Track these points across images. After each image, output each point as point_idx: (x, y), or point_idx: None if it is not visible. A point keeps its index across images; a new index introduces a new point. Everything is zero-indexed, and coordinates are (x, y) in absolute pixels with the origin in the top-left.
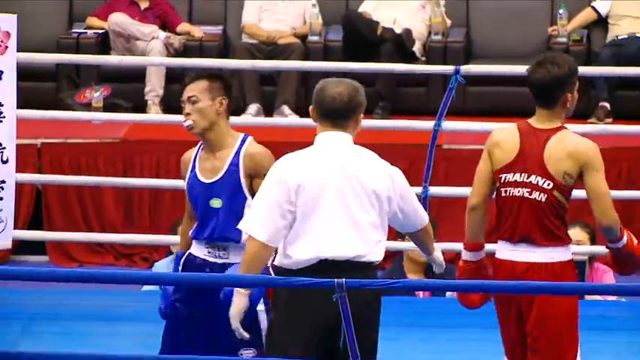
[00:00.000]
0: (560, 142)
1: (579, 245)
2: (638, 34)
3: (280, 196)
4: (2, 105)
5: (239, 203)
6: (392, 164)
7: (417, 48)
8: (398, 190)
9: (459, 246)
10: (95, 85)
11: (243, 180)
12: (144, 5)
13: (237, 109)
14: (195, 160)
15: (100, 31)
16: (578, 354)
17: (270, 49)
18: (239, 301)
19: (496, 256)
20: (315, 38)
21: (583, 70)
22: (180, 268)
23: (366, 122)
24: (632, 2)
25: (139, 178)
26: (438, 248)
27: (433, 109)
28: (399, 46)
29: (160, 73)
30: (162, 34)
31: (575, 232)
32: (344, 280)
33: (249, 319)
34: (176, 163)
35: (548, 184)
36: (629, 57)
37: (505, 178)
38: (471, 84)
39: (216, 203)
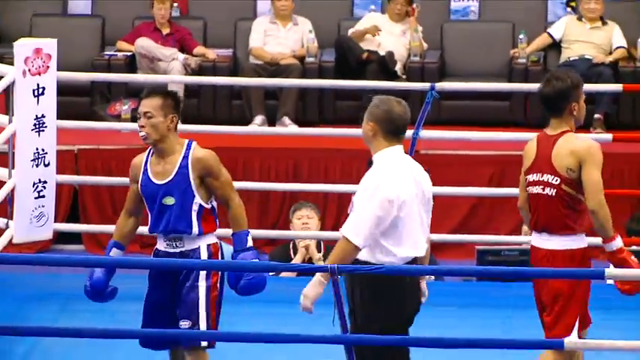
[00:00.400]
0: (565, 143)
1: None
2: (586, 56)
3: (381, 211)
4: (45, 116)
5: (189, 200)
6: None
7: (398, 68)
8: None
9: (435, 237)
10: (124, 100)
11: (192, 180)
12: (165, 31)
13: (245, 120)
14: (146, 165)
15: (128, 54)
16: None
17: (273, 68)
18: (319, 287)
19: (530, 242)
20: (312, 59)
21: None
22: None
23: (354, 131)
24: (581, 29)
25: None
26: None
27: (412, 120)
28: (383, 66)
29: (179, 89)
30: (181, 56)
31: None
32: (336, 265)
33: (194, 294)
34: None
35: (556, 180)
36: (580, 75)
37: (528, 180)
38: (444, 98)
39: (169, 201)
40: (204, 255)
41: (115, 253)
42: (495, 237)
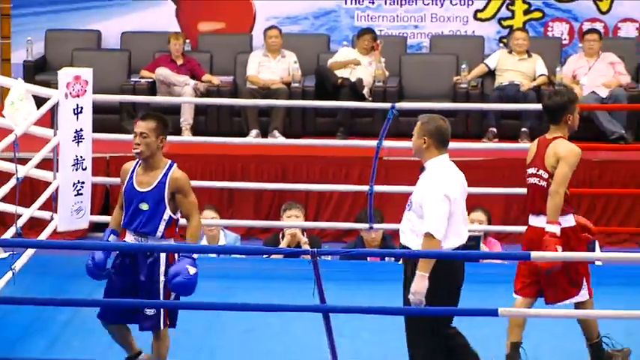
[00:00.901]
0: (553, 147)
1: (480, 225)
2: (515, 82)
3: (447, 207)
4: (82, 130)
5: (161, 209)
6: (348, 171)
7: (365, 91)
8: None
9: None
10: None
11: (166, 194)
12: (179, 62)
13: (243, 133)
14: (133, 173)
15: (150, 80)
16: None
17: (265, 92)
18: (423, 282)
19: (528, 222)
20: (296, 85)
21: (478, 105)
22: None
23: (331, 141)
24: (511, 60)
25: None
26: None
27: (376, 133)
28: (354, 90)
29: (190, 109)
30: (192, 82)
31: (478, 215)
32: (315, 249)
33: (156, 288)
34: (202, 169)
35: (545, 174)
36: (509, 98)
37: (528, 172)
38: (402, 115)
39: (144, 207)
40: (162, 254)
41: (112, 238)
42: None
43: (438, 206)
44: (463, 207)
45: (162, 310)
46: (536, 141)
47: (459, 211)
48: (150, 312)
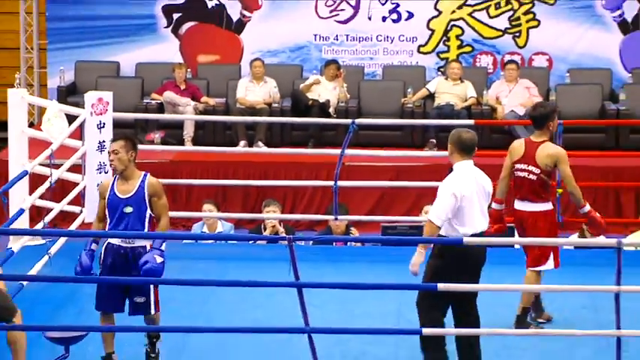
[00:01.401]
0: (544, 149)
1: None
2: (450, 103)
3: (453, 201)
4: (104, 141)
5: (142, 210)
6: (317, 174)
7: (331, 110)
8: None
9: (356, 217)
10: (156, 131)
11: (146, 197)
12: (182, 87)
13: (233, 144)
14: (113, 186)
15: (158, 101)
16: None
17: (251, 111)
18: (419, 257)
19: (514, 207)
20: (276, 105)
21: (421, 121)
22: (102, 250)
23: (303, 150)
24: (447, 85)
25: (181, 179)
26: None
27: (340, 143)
28: (322, 109)
29: (191, 124)
30: (193, 103)
31: (426, 207)
32: (292, 236)
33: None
34: (201, 172)
35: (537, 170)
36: (446, 115)
37: (516, 167)
38: (361, 129)
39: (128, 209)
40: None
41: (93, 246)
42: (393, 217)
43: (444, 200)
44: (478, 203)
45: (151, 297)
46: (522, 142)
47: (470, 206)
48: (140, 300)
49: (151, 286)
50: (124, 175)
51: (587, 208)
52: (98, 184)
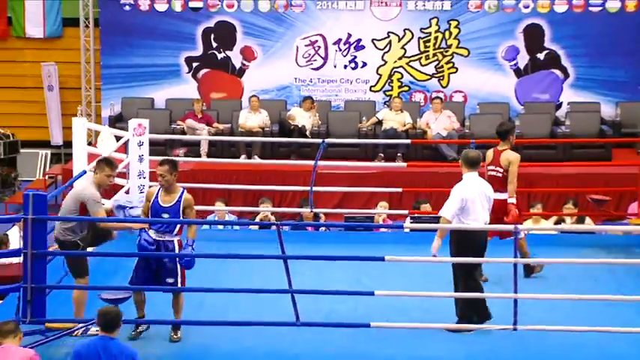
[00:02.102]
0: (505, 155)
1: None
2: (394, 127)
3: (459, 204)
4: (143, 155)
5: (176, 217)
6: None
7: (308, 133)
8: None
9: (325, 210)
10: (180, 147)
11: (180, 209)
12: (199, 116)
13: (236, 157)
14: (157, 195)
15: (182, 126)
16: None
17: (249, 133)
18: (436, 241)
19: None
20: (267, 129)
21: (372, 141)
22: (141, 240)
23: (288, 162)
24: (391, 114)
25: (197, 184)
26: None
27: (314, 156)
28: (301, 132)
29: (205, 143)
30: (207, 128)
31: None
32: (278, 222)
33: (174, 265)
34: (213, 178)
35: (501, 170)
36: (390, 136)
37: (488, 168)
38: (329, 147)
39: (165, 216)
40: (176, 244)
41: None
42: (353, 210)
43: (452, 201)
44: (479, 203)
45: (179, 279)
46: (492, 150)
47: (474, 206)
48: (170, 280)
49: (178, 271)
50: (167, 189)
51: (511, 200)
52: (140, 185)
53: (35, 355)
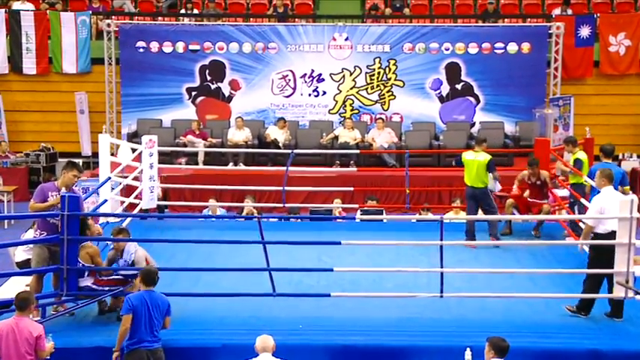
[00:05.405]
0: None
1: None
2: (347, 141)
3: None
4: (153, 163)
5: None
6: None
7: (281, 145)
8: None
9: (295, 204)
10: (182, 157)
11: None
12: (197, 132)
13: (226, 164)
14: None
15: (184, 141)
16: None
17: (235, 146)
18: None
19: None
20: (250, 142)
21: (331, 151)
22: None
23: (266, 168)
24: (345, 131)
25: (195, 185)
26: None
27: (285, 163)
28: (276, 144)
29: (202, 154)
30: (202, 142)
31: (337, 201)
32: (259, 215)
33: None
34: (208, 181)
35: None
36: (344, 148)
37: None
38: (297, 156)
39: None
40: None
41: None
42: (316, 204)
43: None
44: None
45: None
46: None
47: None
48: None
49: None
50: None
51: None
52: (151, 187)
53: (42, 331)
